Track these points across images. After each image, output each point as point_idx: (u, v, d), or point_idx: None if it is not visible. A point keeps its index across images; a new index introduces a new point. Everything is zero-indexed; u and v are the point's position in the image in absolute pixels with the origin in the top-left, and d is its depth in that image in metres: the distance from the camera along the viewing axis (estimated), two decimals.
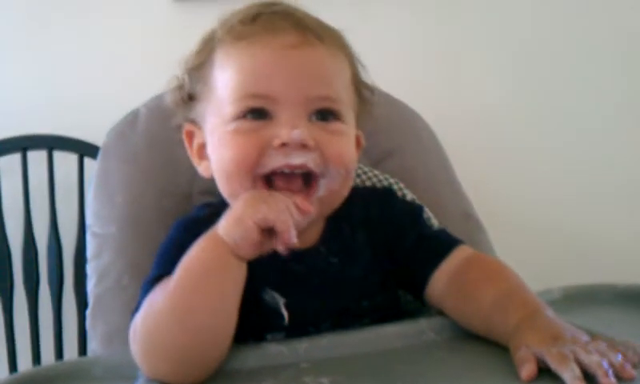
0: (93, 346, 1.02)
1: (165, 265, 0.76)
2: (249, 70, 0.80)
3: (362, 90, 0.89)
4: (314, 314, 0.82)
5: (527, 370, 0.63)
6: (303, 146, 0.76)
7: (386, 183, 1.11)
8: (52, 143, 1.64)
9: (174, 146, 1.03)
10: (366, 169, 1.13)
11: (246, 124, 0.79)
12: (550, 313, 0.73)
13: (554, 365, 0.62)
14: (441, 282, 0.85)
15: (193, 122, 0.88)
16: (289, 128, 0.76)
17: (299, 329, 0.80)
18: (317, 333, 0.80)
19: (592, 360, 0.62)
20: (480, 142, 1.67)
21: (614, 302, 0.89)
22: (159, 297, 0.72)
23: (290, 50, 0.79)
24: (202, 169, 0.89)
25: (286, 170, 0.77)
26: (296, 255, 0.75)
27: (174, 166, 0.92)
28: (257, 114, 0.79)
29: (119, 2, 1.72)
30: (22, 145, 1.63)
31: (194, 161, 0.90)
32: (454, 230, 1.05)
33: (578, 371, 0.60)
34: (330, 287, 0.84)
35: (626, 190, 1.71)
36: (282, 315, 0.81)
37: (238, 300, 0.72)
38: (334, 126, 0.81)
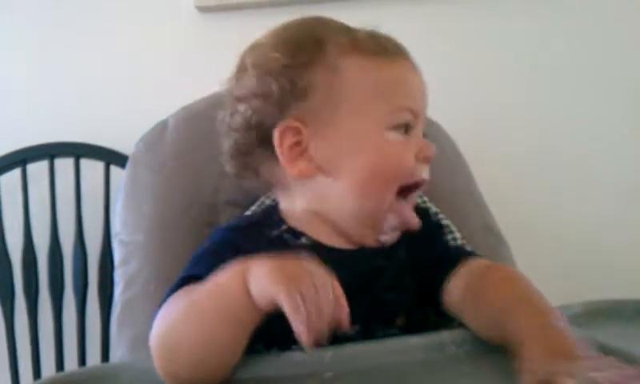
0: (119, 352, 1.03)
1: (197, 268, 0.78)
2: (402, 84, 0.87)
3: None
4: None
5: None
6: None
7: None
8: (79, 151, 1.66)
9: (201, 157, 1.05)
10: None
11: (401, 135, 0.86)
12: (562, 323, 0.72)
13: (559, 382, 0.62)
14: (458, 289, 0.86)
15: (295, 117, 0.86)
16: (427, 142, 0.87)
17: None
18: (345, 338, 0.80)
19: (601, 376, 0.61)
20: (499, 153, 1.67)
21: (638, 317, 0.88)
22: (181, 304, 0.73)
23: (416, 73, 0.89)
24: (300, 167, 0.87)
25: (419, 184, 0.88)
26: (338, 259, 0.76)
27: (200, 176, 0.94)
28: (408, 127, 0.86)
29: (145, 13, 1.75)
30: (50, 152, 1.66)
31: (284, 158, 0.87)
32: (476, 244, 1.07)
33: None
34: (364, 286, 0.86)
35: None
36: None
37: (249, 333, 0.72)
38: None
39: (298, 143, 0.86)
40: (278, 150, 0.87)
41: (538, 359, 0.66)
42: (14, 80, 1.76)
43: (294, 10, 1.63)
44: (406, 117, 0.86)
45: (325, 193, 0.87)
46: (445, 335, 0.81)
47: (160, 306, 0.75)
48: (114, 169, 1.64)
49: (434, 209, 1.11)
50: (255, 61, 0.89)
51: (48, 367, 1.65)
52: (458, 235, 1.08)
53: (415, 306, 0.89)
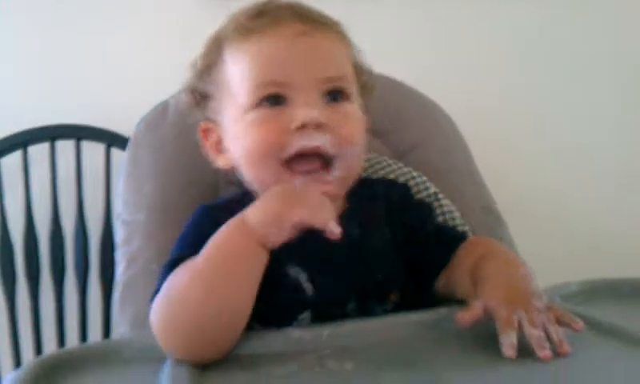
0: (121, 330, 1.04)
1: (185, 248, 0.81)
2: (261, 59, 0.85)
3: (361, 75, 0.94)
4: (337, 290, 0.85)
5: (465, 315, 0.72)
6: (319, 127, 0.81)
7: (409, 176, 1.13)
8: (80, 133, 1.66)
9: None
10: (390, 161, 1.15)
11: (264, 111, 0.84)
12: (522, 269, 0.78)
13: (498, 327, 0.69)
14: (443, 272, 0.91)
15: (208, 119, 0.93)
16: (304, 109, 0.81)
17: (324, 308, 0.83)
18: (342, 314, 0.83)
19: (533, 333, 0.68)
20: (499, 133, 1.68)
21: (636, 294, 0.90)
22: (184, 275, 0.75)
23: (299, 37, 0.84)
24: (220, 162, 0.94)
25: (304, 152, 0.82)
26: (317, 230, 0.77)
27: (201, 156, 0.94)
28: (273, 100, 0.84)
29: (145, 2, 1.74)
30: (51, 134, 1.66)
31: (211, 156, 0.95)
32: (474, 223, 1.09)
33: (514, 340, 0.67)
34: (350, 259, 0.87)
35: None
36: (305, 290, 0.84)
37: (258, 283, 0.75)
38: (345, 106, 0.86)
39: (219, 139, 0.92)
40: (205, 149, 0.95)
41: (488, 297, 0.73)
42: (14, 62, 1.76)
43: None
44: (266, 90, 0.83)
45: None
46: (443, 311, 0.82)
47: (157, 288, 0.77)
48: (114, 151, 1.64)
49: (432, 188, 1.11)
50: (193, 64, 0.94)
51: (50, 349, 1.66)
52: (456, 215, 1.09)
53: (408, 282, 0.91)
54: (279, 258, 0.78)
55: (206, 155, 0.95)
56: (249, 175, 0.88)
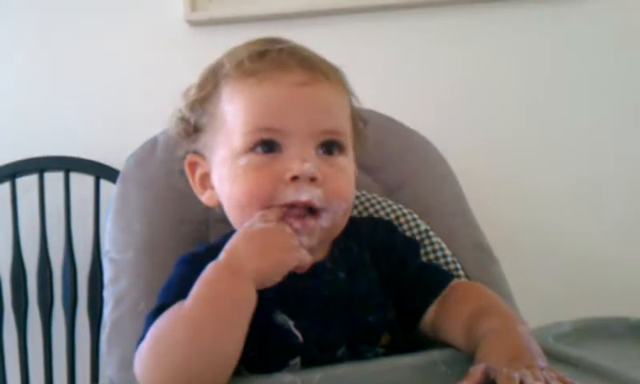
0: (109, 372, 1.02)
1: (170, 296, 0.79)
2: (260, 104, 0.84)
3: (357, 124, 0.94)
4: (327, 336, 0.84)
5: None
6: (312, 180, 0.81)
7: (399, 213, 1.13)
8: (69, 165, 1.66)
9: None
10: (380, 199, 1.14)
11: (257, 157, 0.83)
12: (522, 328, 0.77)
13: (498, 382, 0.67)
14: (431, 312, 0.90)
15: (196, 153, 0.92)
16: (299, 161, 0.81)
17: (315, 354, 0.82)
18: (333, 360, 0.82)
19: None
20: (491, 170, 1.68)
21: (628, 335, 0.89)
22: (170, 319, 0.73)
23: (299, 87, 0.84)
24: (205, 198, 0.93)
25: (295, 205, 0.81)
26: (304, 273, 0.78)
27: (191, 194, 0.94)
28: (267, 146, 0.83)
29: (136, 27, 1.75)
30: (40, 166, 1.65)
31: (196, 190, 0.94)
32: (467, 261, 1.08)
33: None
34: (338, 304, 0.86)
35: None
36: (295, 336, 0.83)
37: (247, 326, 0.74)
38: (339, 159, 0.86)
39: (206, 174, 0.91)
40: (190, 181, 0.94)
41: (488, 358, 0.72)
42: (2, 94, 1.75)
43: (284, 25, 1.66)
44: (261, 136, 0.83)
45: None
46: (435, 354, 0.81)
47: (142, 336, 0.75)
48: (103, 183, 1.63)
49: (423, 226, 1.11)
50: (186, 92, 0.94)
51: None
52: (448, 253, 1.08)
53: (397, 324, 0.90)
54: (265, 306, 0.77)
55: (191, 188, 0.94)
56: (233, 218, 0.88)
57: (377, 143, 1.20)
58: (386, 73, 1.69)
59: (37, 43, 1.75)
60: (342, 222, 0.88)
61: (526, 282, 1.14)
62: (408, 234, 1.10)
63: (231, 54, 0.90)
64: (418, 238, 1.09)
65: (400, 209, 1.13)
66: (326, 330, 0.84)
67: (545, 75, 1.72)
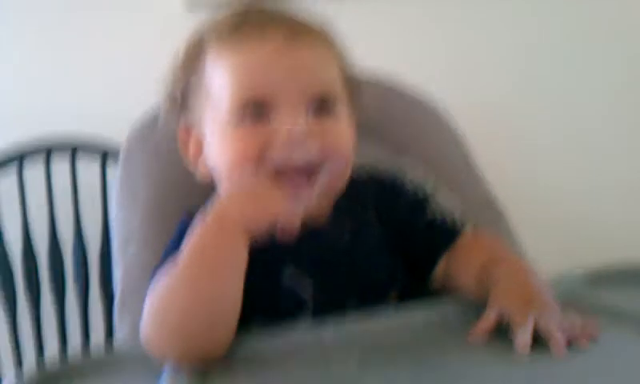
0: (120, 336, 1.03)
1: (169, 254, 0.79)
2: (245, 71, 0.83)
3: (350, 82, 0.91)
4: (335, 292, 0.84)
5: (477, 328, 0.71)
6: (304, 141, 0.79)
7: (408, 167, 1.11)
8: (75, 144, 1.65)
9: None
10: (385, 160, 1.13)
11: (246, 122, 0.81)
12: (533, 276, 0.78)
13: (513, 325, 0.68)
14: (441, 265, 0.90)
15: (186, 127, 0.91)
16: (289, 124, 0.80)
17: (324, 308, 0.82)
18: (343, 311, 0.81)
19: (549, 327, 0.66)
20: (495, 130, 1.66)
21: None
22: (165, 280, 0.73)
23: (283, 50, 0.82)
24: (199, 170, 0.92)
25: (289, 164, 0.80)
26: (306, 234, 0.76)
27: None
28: (256, 113, 0.81)
29: (134, 10, 1.74)
30: (46, 146, 1.65)
31: (190, 164, 0.93)
32: (476, 218, 1.06)
33: (529, 336, 0.66)
34: (344, 263, 0.86)
35: None
36: (304, 292, 0.83)
37: (243, 274, 0.73)
38: (331, 118, 0.84)
39: (199, 147, 0.90)
40: (184, 157, 0.93)
41: (503, 301, 0.72)
42: (10, 76, 1.75)
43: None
44: (251, 101, 0.81)
45: None
46: (447, 306, 0.82)
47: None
48: (110, 161, 1.63)
49: (430, 183, 1.10)
50: (170, 69, 0.92)
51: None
52: (456, 210, 1.07)
53: (408, 279, 0.90)
54: (273, 263, 0.78)
55: (186, 162, 0.94)
56: (224, 186, 0.87)
57: (380, 105, 1.20)
58: (387, 34, 1.67)
59: (44, 26, 1.75)
60: (343, 179, 0.86)
61: (531, 238, 1.13)
62: (414, 191, 1.08)
63: (212, 24, 0.89)
64: (424, 196, 1.07)
65: (407, 164, 1.12)
66: (332, 290, 0.84)
67: (545, 30, 1.71)
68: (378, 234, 0.91)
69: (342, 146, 0.84)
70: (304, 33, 0.85)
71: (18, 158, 1.64)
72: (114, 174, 1.25)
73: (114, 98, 1.71)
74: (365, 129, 1.16)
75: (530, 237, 1.15)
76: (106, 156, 1.64)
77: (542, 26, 1.71)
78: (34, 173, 1.65)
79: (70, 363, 0.75)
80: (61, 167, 1.66)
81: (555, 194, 1.71)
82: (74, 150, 1.65)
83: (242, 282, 0.73)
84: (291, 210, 0.75)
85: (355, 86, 0.93)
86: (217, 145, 0.85)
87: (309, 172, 0.81)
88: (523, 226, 1.19)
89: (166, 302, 0.72)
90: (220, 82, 0.84)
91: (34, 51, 1.76)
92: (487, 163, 1.27)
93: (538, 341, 0.66)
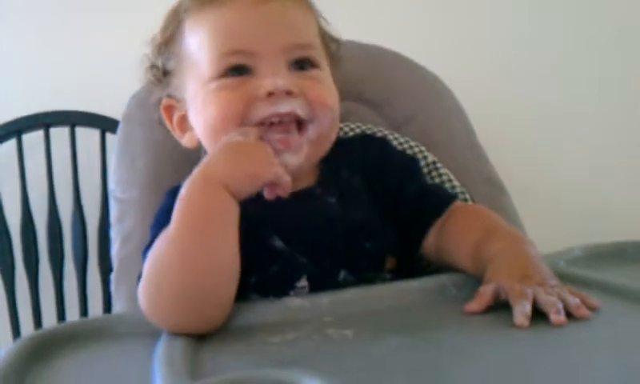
0: (117, 307, 1.03)
1: (158, 229, 0.77)
2: (222, 29, 0.82)
3: (329, 44, 0.91)
4: (325, 260, 0.83)
5: (474, 304, 0.69)
6: (288, 94, 0.79)
7: (405, 145, 1.11)
8: (74, 119, 1.65)
9: None
10: (386, 132, 1.12)
11: (228, 81, 0.81)
12: (531, 249, 0.77)
13: (511, 300, 0.67)
14: (433, 235, 0.88)
15: (170, 96, 0.90)
16: (271, 77, 0.79)
17: (317, 277, 0.81)
18: (336, 285, 0.81)
19: (548, 300, 0.65)
20: (496, 106, 1.66)
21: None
22: (159, 247, 0.72)
23: (261, 4, 0.81)
24: (185, 140, 0.91)
25: (275, 119, 0.79)
26: (293, 198, 0.76)
27: None
28: (237, 70, 0.81)
29: None
30: (45, 121, 1.65)
31: (176, 135, 0.92)
32: (477, 194, 1.07)
33: (528, 309, 0.65)
34: (331, 228, 0.85)
35: None
36: (297, 258, 0.82)
37: (237, 237, 0.72)
38: (313, 72, 0.84)
39: (183, 116, 0.89)
40: (169, 127, 0.92)
41: (500, 275, 0.71)
42: (7, 50, 1.74)
43: None
44: (231, 60, 0.81)
45: None
46: (444, 278, 0.81)
47: (140, 276, 0.74)
48: (109, 136, 1.63)
49: (430, 157, 1.09)
50: (152, 40, 0.92)
51: None
52: (456, 184, 1.07)
53: (401, 247, 0.89)
54: (259, 231, 0.77)
55: (171, 133, 0.93)
56: (210, 148, 0.85)
57: (382, 77, 1.20)
58: (393, 10, 1.65)
59: (44, 2, 1.74)
60: (330, 136, 0.85)
61: (536, 214, 1.13)
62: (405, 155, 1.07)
63: None
64: (425, 170, 1.07)
65: (407, 141, 1.11)
66: (322, 255, 0.83)
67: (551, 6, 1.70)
68: (366, 200, 0.90)
69: (327, 99, 0.83)
70: None
71: (17, 133, 1.63)
72: (113, 147, 1.25)
73: (114, 73, 1.70)
74: (368, 100, 1.16)
75: (530, 219, 1.15)
76: (104, 131, 1.64)
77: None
78: (34, 147, 1.65)
79: (68, 328, 0.74)
80: (60, 141, 1.65)
81: (555, 177, 1.70)
82: (73, 125, 1.65)
83: (236, 242, 0.72)
84: (280, 174, 0.74)
85: (335, 48, 0.92)
86: (200, 107, 0.83)
87: (296, 124, 0.81)
88: (522, 208, 1.19)
89: (159, 270, 0.71)
90: (199, 44, 0.83)
91: (33, 25, 1.74)
92: (486, 145, 1.27)
93: (537, 315, 0.65)
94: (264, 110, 0.79)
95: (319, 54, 0.86)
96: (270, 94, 0.78)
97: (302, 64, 0.83)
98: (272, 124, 0.79)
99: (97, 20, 1.72)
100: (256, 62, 0.80)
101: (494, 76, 1.68)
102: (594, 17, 1.70)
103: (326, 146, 0.86)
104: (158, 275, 0.71)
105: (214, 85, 0.81)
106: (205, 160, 0.76)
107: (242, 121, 0.79)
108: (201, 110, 0.83)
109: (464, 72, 1.55)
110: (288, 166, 0.78)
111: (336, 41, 0.93)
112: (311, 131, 0.81)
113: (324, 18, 0.91)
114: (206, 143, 0.86)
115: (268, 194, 0.75)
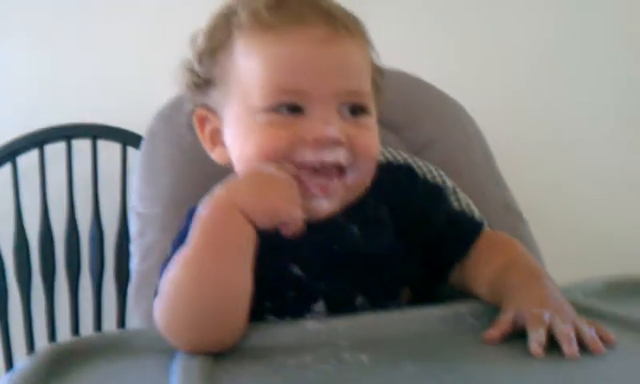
0: (135, 322, 1.03)
1: (177, 248, 0.77)
2: (280, 63, 0.79)
3: (376, 77, 0.89)
4: (342, 287, 0.83)
5: (493, 331, 0.70)
6: (335, 143, 0.77)
7: (425, 169, 1.11)
8: (96, 132, 1.67)
9: None
10: (405, 155, 1.13)
11: (278, 117, 0.78)
12: (549, 281, 0.77)
13: (528, 324, 0.67)
14: (457, 267, 0.89)
15: (205, 106, 0.87)
16: (322, 124, 0.77)
17: (335, 303, 0.82)
18: (352, 309, 0.82)
19: (563, 330, 0.66)
20: (515, 133, 1.66)
21: None
22: (175, 267, 0.72)
23: (322, 44, 0.79)
24: (215, 155, 0.89)
25: (318, 166, 0.78)
26: (315, 226, 0.76)
27: None
28: (289, 108, 0.79)
29: None
30: (67, 133, 1.66)
31: (206, 146, 0.90)
32: (495, 221, 1.06)
33: (543, 336, 0.65)
34: (351, 257, 0.84)
35: None
36: (313, 288, 0.82)
37: (252, 260, 0.72)
38: (363, 119, 0.82)
39: (217, 130, 0.87)
40: (199, 136, 0.90)
41: (520, 303, 0.71)
42: (31, 62, 1.76)
43: None
44: (284, 98, 0.78)
45: None
46: (462, 307, 0.81)
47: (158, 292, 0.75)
48: (130, 150, 1.64)
49: (449, 183, 1.10)
50: (193, 40, 0.88)
51: None
52: (474, 209, 1.07)
53: (421, 278, 0.89)
54: (281, 257, 0.77)
55: (196, 147, 0.91)
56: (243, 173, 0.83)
57: (404, 102, 1.20)
58: (415, 37, 1.67)
59: (66, 10, 1.76)
60: (367, 181, 0.84)
61: (553, 245, 1.13)
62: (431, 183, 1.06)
63: (245, 0, 0.84)
64: (441, 188, 1.05)
65: (427, 166, 1.11)
66: (340, 282, 0.83)
67: (572, 41, 1.70)
68: (390, 231, 0.89)
69: (372, 149, 0.83)
70: (343, 26, 0.81)
71: (39, 144, 1.65)
72: (134, 161, 1.26)
73: (137, 86, 1.72)
74: (389, 124, 1.16)
75: (548, 245, 1.15)
76: (125, 144, 1.65)
77: (560, 27, 1.70)
78: (56, 159, 1.67)
79: (86, 341, 0.75)
80: (82, 154, 1.67)
81: (573, 203, 1.69)
82: (94, 138, 1.66)
83: (251, 266, 0.72)
84: (296, 218, 0.74)
85: (380, 80, 0.90)
86: (242, 134, 0.82)
87: (337, 170, 0.80)
88: (540, 233, 1.19)
89: (174, 289, 0.71)
90: (252, 70, 0.80)
91: (55, 36, 1.77)
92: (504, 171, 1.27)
93: (553, 344, 0.66)
94: (309, 156, 0.78)
95: (370, 99, 0.84)
96: (318, 141, 0.77)
97: (354, 109, 0.81)
98: (313, 168, 0.78)
99: (121, 34, 1.74)
100: (308, 103, 0.78)
101: (513, 102, 1.68)
102: (613, 42, 1.69)
103: (361, 190, 0.84)
104: (173, 294, 0.71)
105: (262, 117, 0.79)
106: (230, 183, 0.75)
107: (283, 159, 0.78)
108: (242, 137, 0.82)
109: (483, 98, 1.55)
110: (322, 210, 0.78)
111: (381, 72, 0.91)
112: (350, 178, 0.81)
113: (375, 51, 0.89)
114: (238, 168, 0.84)
115: (284, 231, 0.74)
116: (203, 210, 0.73)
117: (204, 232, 0.72)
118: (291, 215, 0.73)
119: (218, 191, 0.74)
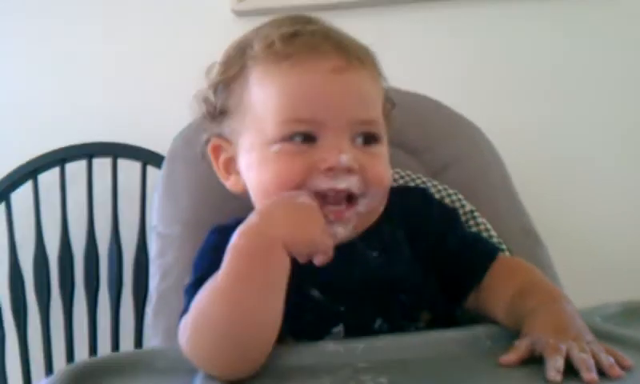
0: (154, 342, 1.04)
1: (205, 268, 0.79)
2: (293, 92, 0.80)
3: (387, 106, 0.91)
4: (361, 311, 0.84)
5: (509, 356, 0.70)
6: (348, 171, 0.79)
7: (444, 193, 1.11)
8: (117, 151, 1.69)
9: None
10: (424, 178, 1.13)
11: (292, 146, 0.80)
12: (567, 305, 0.77)
13: (545, 354, 0.67)
14: (474, 293, 0.90)
15: (220, 136, 0.89)
16: (335, 152, 0.78)
17: (353, 327, 0.82)
18: (371, 332, 0.82)
19: (581, 357, 0.65)
20: (536, 156, 1.66)
21: None
22: (206, 294, 0.72)
23: (335, 74, 0.81)
24: (230, 183, 0.91)
25: (331, 194, 0.79)
26: (334, 251, 0.76)
27: None
28: (302, 137, 0.80)
29: (183, 17, 1.77)
30: (88, 152, 1.69)
31: (220, 175, 0.92)
32: (514, 245, 1.07)
33: (560, 364, 0.64)
34: (370, 281, 0.85)
35: None
36: (333, 312, 0.83)
37: (284, 291, 0.72)
38: (375, 148, 0.84)
39: (231, 159, 0.88)
40: (214, 166, 0.91)
41: (538, 329, 0.71)
42: (54, 80, 1.79)
43: (331, 15, 1.66)
44: (297, 128, 0.80)
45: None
46: (479, 330, 0.81)
47: (184, 309, 0.76)
48: (150, 169, 1.66)
49: (468, 206, 1.10)
50: (208, 71, 0.91)
51: None
52: (493, 234, 1.07)
53: (440, 301, 0.89)
54: (300, 281, 0.76)
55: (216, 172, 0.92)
56: (260, 204, 0.84)
57: (421, 125, 1.21)
58: (433, 61, 1.68)
59: (84, 29, 1.79)
60: (379, 209, 0.86)
61: (570, 268, 1.12)
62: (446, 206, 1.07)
63: (260, 33, 0.86)
64: (463, 218, 1.07)
65: (445, 189, 1.12)
66: (359, 305, 0.84)
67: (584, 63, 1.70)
68: (407, 254, 0.90)
69: (383, 177, 0.84)
70: (355, 57, 0.83)
71: (60, 162, 1.67)
72: (154, 181, 1.27)
73: (157, 106, 1.74)
74: (407, 147, 1.17)
75: (564, 268, 1.14)
76: (146, 163, 1.67)
77: (572, 50, 1.70)
78: (76, 176, 1.69)
79: (102, 362, 0.75)
80: (102, 172, 1.69)
81: (590, 226, 1.68)
82: (115, 156, 1.68)
83: (283, 298, 0.72)
84: (329, 234, 0.75)
85: (390, 109, 0.92)
86: (256, 164, 0.83)
87: (349, 199, 0.81)
88: (556, 256, 1.19)
89: (209, 320, 0.71)
90: (265, 100, 0.82)
91: (76, 56, 1.80)
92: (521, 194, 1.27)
93: (570, 371, 0.65)
94: (323, 183, 0.79)
95: (382, 128, 0.86)
96: (331, 169, 0.78)
97: (367, 138, 0.83)
98: (326, 195, 0.79)
99: (144, 55, 1.77)
100: (322, 132, 0.80)
101: (527, 125, 1.67)
102: (628, 69, 1.69)
103: (374, 218, 0.86)
104: (203, 322, 0.71)
105: (275, 147, 0.80)
106: (261, 214, 0.76)
107: (299, 187, 0.79)
108: (257, 167, 0.83)
109: (500, 121, 1.56)
110: (337, 236, 0.79)
111: (392, 102, 0.93)
112: (362, 206, 0.81)
113: (385, 79, 0.91)
114: (255, 200, 0.85)
115: (316, 260, 0.74)
116: (239, 240, 0.73)
117: (240, 263, 0.72)
118: (327, 245, 0.74)
119: (252, 220, 0.74)
